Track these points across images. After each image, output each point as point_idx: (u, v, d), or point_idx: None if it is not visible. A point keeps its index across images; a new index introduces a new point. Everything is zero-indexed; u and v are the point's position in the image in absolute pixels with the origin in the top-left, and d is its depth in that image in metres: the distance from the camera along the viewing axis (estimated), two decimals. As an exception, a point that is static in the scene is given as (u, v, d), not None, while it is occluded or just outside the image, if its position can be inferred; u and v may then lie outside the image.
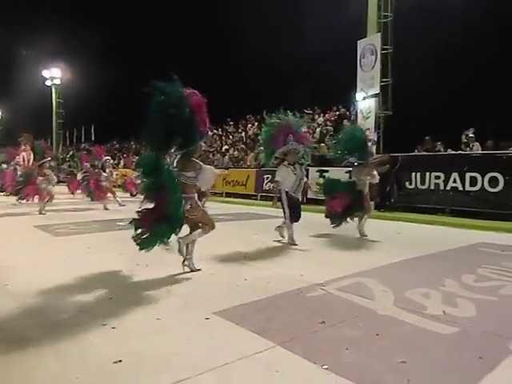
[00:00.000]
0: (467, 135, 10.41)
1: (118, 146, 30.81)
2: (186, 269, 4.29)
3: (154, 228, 3.96)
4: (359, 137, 7.08)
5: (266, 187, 14.46)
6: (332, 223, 6.92)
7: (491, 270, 4.55)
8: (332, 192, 6.91)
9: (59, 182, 10.27)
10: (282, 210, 6.13)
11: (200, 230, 4.33)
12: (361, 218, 6.88)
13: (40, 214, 9.70)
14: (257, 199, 14.66)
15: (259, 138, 6.99)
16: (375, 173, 6.96)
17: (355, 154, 7.00)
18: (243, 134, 19.67)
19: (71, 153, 29.54)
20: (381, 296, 3.55)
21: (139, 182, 8.21)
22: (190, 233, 4.33)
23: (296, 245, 5.91)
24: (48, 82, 32.70)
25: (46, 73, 32.25)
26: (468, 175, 9.12)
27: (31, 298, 3.38)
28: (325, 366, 2.26)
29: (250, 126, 19.91)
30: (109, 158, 12.67)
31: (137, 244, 3.99)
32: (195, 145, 4.19)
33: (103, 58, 28.99)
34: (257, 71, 21.62)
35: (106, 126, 30.47)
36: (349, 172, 7.81)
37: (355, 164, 7.11)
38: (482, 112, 12.13)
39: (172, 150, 4.19)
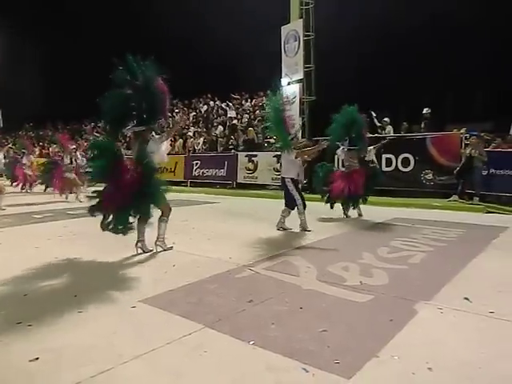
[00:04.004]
0: (375, 117, 11.01)
1: (32, 133, 28.28)
2: (140, 251, 4.47)
3: (119, 211, 4.14)
4: (360, 121, 6.88)
5: (195, 173, 14.33)
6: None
7: (402, 241, 5.01)
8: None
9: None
10: (284, 198, 5.87)
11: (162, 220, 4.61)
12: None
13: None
14: (186, 186, 14.46)
15: (267, 120, 6.31)
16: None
17: (351, 139, 6.86)
18: (170, 120, 19.11)
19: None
20: (305, 272, 3.73)
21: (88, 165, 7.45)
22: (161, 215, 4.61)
23: (309, 230, 5.71)
24: None
25: None
26: (384, 156, 9.84)
27: None
28: (251, 342, 2.34)
29: (176, 111, 19.38)
30: (75, 146, 11.61)
31: (103, 230, 4.16)
32: (154, 121, 4.45)
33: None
34: (178, 58, 20.97)
35: (17, 112, 27.68)
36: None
37: (345, 149, 7.02)
38: (396, 97, 13.04)
39: (129, 127, 4.33)
